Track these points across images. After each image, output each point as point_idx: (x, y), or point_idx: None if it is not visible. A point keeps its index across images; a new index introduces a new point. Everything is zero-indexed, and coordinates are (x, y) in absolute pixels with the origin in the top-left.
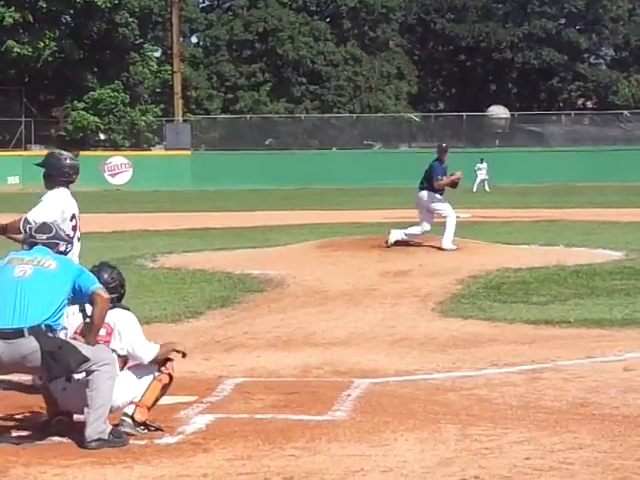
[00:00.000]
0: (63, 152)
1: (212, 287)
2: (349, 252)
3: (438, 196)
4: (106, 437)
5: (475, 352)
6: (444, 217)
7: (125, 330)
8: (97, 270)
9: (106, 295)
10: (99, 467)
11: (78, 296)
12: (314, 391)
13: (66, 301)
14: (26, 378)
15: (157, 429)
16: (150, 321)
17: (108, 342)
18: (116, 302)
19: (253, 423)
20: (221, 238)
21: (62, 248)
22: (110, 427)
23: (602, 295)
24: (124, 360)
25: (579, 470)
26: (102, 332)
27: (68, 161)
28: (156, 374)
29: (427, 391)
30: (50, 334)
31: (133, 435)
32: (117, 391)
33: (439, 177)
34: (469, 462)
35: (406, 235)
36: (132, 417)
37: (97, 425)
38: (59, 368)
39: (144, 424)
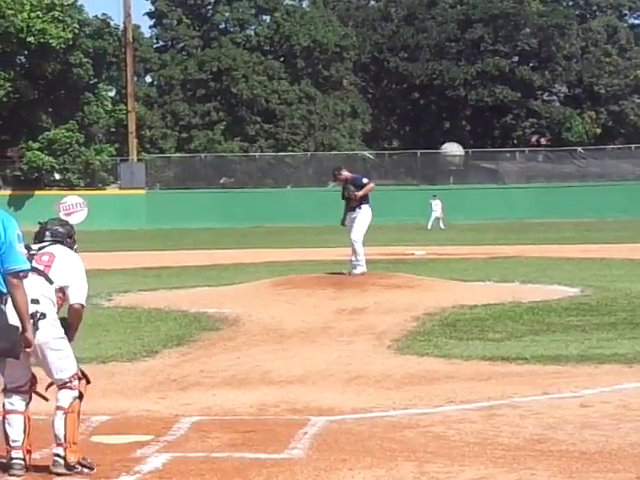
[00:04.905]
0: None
1: (168, 326)
2: (304, 290)
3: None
4: None
5: (431, 389)
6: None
7: (70, 261)
8: (45, 223)
9: (21, 286)
10: None
11: None
12: (271, 429)
13: None
14: None
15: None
16: (106, 360)
17: (49, 267)
18: None
19: (209, 462)
20: (176, 277)
21: None
22: None
23: (558, 331)
24: (61, 295)
25: None
26: (45, 258)
27: None
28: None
29: (384, 428)
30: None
31: (65, 475)
32: None
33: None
34: None
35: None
36: (64, 459)
37: None
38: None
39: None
